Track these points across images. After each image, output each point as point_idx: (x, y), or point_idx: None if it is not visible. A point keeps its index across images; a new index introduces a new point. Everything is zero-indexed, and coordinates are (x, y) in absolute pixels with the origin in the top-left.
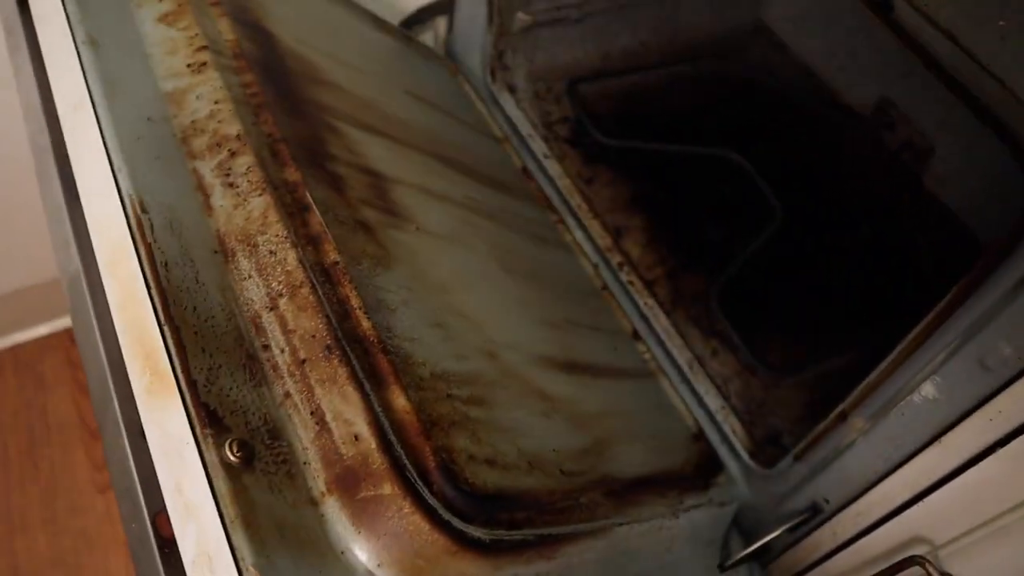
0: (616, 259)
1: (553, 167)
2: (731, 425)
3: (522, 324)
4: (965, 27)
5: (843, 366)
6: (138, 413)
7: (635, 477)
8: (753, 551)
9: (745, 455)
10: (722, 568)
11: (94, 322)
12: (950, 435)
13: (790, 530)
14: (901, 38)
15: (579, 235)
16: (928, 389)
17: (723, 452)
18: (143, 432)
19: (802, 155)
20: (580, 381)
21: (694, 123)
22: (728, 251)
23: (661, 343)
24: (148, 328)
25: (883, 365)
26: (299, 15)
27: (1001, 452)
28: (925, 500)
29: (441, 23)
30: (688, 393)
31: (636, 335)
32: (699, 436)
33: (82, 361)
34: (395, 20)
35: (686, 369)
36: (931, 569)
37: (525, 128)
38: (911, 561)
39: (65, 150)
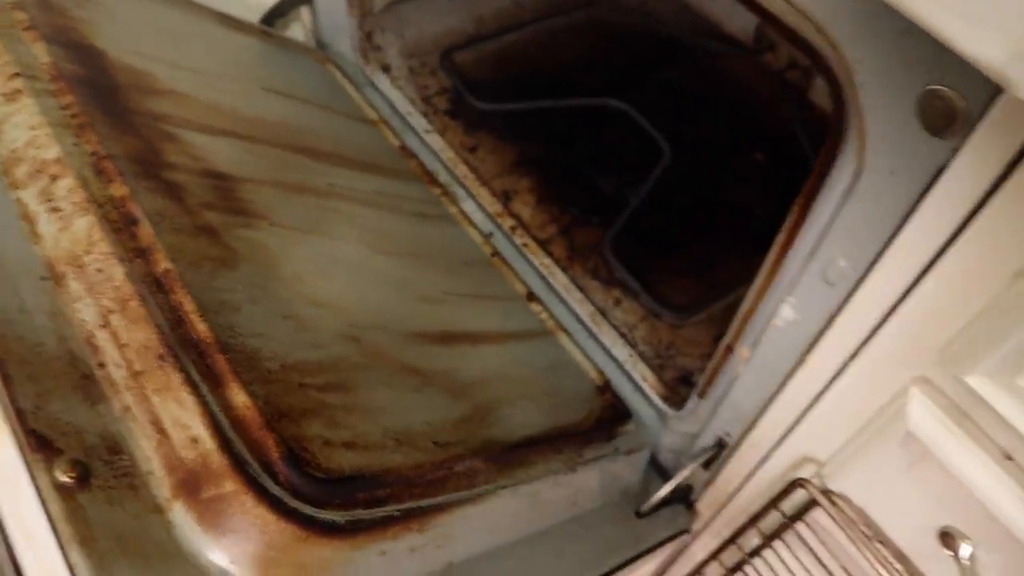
0: (508, 223)
1: (435, 141)
2: (640, 372)
3: (394, 304)
4: None
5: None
6: None
7: (525, 437)
8: (670, 493)
9: (658, 399)
10: (639, 515)
11: None
12: (812, 355)
13: (704, 467)
14: None
15: (468, 205)
16: (787, 312)
17: (635, 400)
18: None
19: (687, 92)
20: (459, 351)
21: (574, 76)
22: (620, 200)
23: (562, 300)
24: None
25: (751, 293)
26: (133, 28)
27: (854, 366)
28: (803, 421)
29: (307, 14)
30: (593, 346)
31: (531, 296)
32: (604, 388)
33: None
34: (254, 17)
35: (589, 322)
36: (811, 489)
37: (403, 106)
38: (795, 485)
39: None
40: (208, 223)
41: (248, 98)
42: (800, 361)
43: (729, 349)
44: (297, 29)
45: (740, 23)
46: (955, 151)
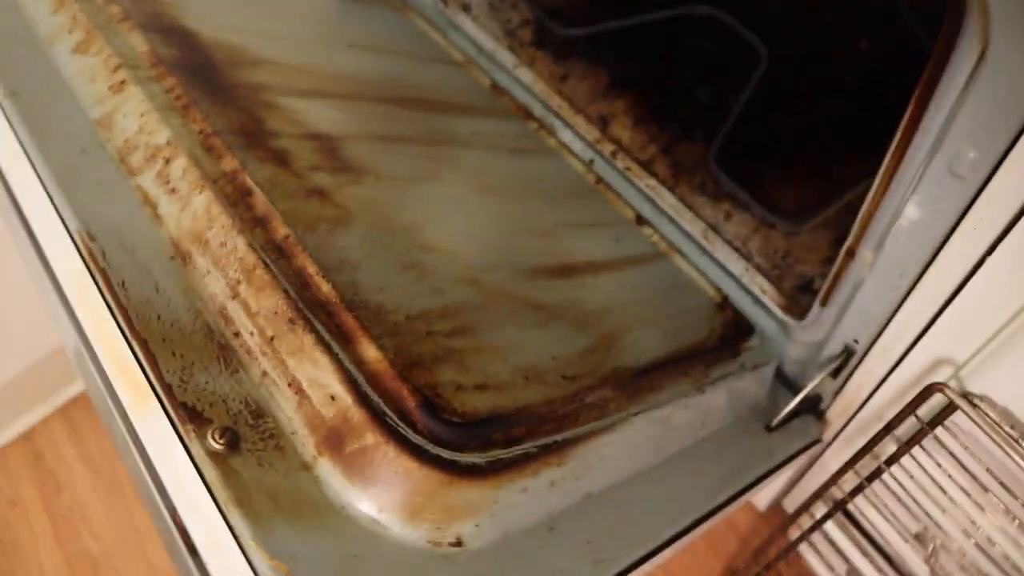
0: (608, 149)
1: (525, 75)
2: (759, 285)
3: (507, 242)
4: None
5: (863, 195)
6: (135, 429)
7: (651, 362)
8: (798, 404)
9: (778, 311)
10: (769, 429)
11: (87, 358)
12: (943, 253)
13: (832, 376)
14: None
15: (566, 135)
16: (911, 211)
17: (756, 314)
18: (143, 445)
19: None
20: (578, 282)
21: None
22: (721, 109)
23: (672, 221)
24: (119, 348)
25: (871, 194)
26: (218, 4)
27: (991, 261)
28: (938, 322)
29: None
30: (708, 263)
31: (640, 220)
32: (724, 304)
33: (91, 397)
34: None
35: (702, 240)
36: (950, 392)
37: (488, 44)
38: (931, 389)
39: (20, 206)
40: (317, 185)
41: (335, 57)
42: (930, 261)
43: (851, 253)
44: None
45: None
46: None
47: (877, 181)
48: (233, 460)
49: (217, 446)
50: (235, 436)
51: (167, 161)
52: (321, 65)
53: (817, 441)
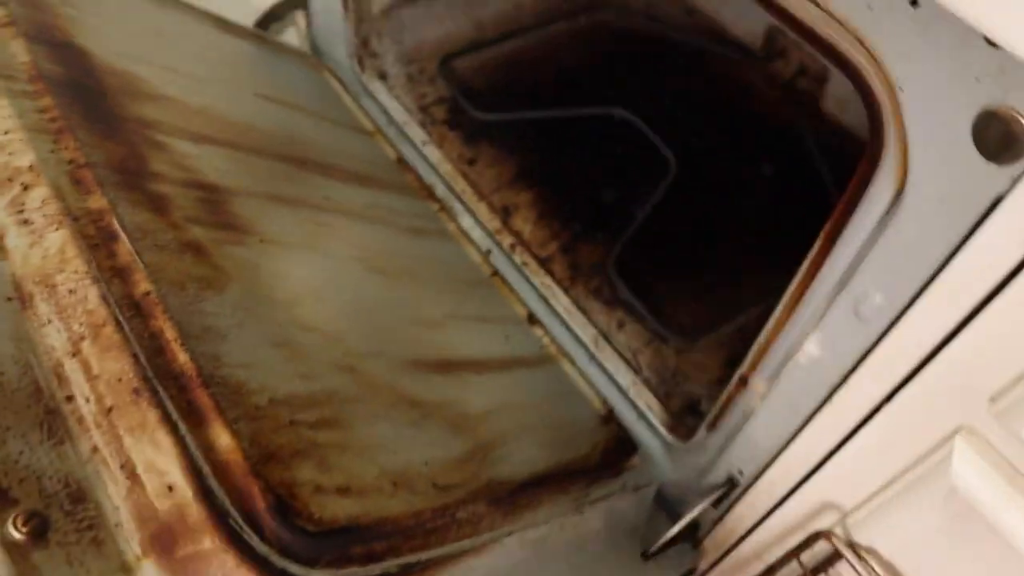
0: (507, 241)
1: (432, 153)
2: (645, 400)
3: (391, 329)
4: None
5: (761, 317)
6: None
7: (530, 476)
8: (678, 532)
9: (664, 430)
10: (646, 556)
11: None
12: (840, 394)
13: (713, 505)
14: None
15: (466, 221)
16: (812, 347)
17: (639, 430)
18: None
19: (693, 101)
20: (461, 380)
21: (576, 84)
22: (625, 214)
23: (563, 322)
24: None
25: (770, 323)
26: (123, 27)
27: (889, 408)
28: (827, 465)
29: (302, 18)
30: (596, 372)
31: (532, 319)
32: (609, 418)
33: None
34: (249, 20)
35: (592, 346)
36: (836, 543)
37: (400, 116)
38: (816, 537)
39: None
40: (195, 239)
41: (241, 104)
42: (825, 400)
43: (743, 381)
44: (293, 33)
45: (748, 27)
46: (1015, 180)
47: (777, 312)
48: (36, 554)
49: (18, 535)
50: (44, 523)
51: (25, 188)
52: (223, 111)
53: (691, 572)
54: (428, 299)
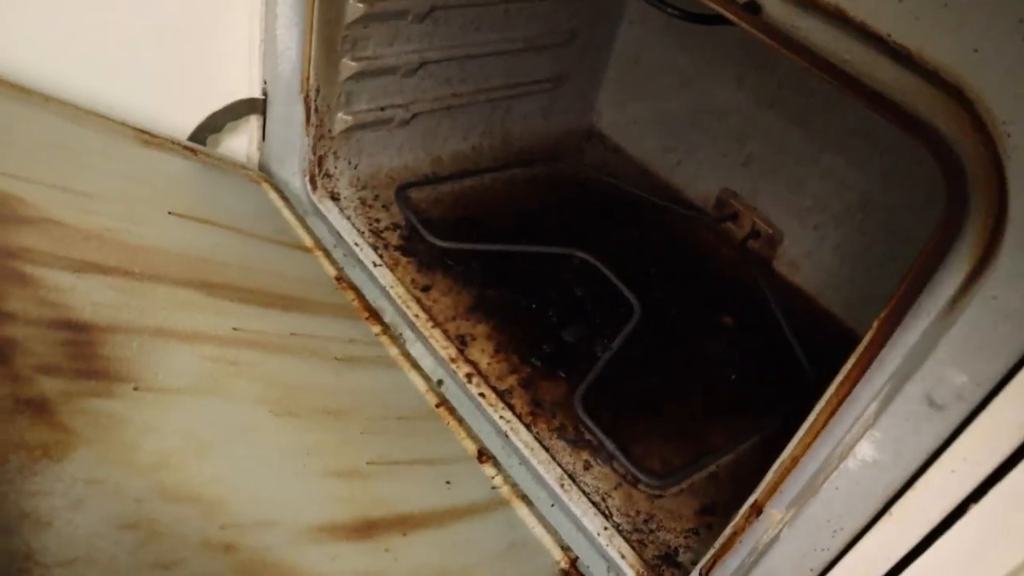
0: (464, 371)
1: (384, 275)
2: (617, 548)
3: (294, 486)
4: None
5: (734, 461)
6: None
7: None
8: None
9: None
10: None
11: None
12: (903, 500)
13: None
14: (775, 38)
15: (416, 349)
16: (865, 450)
17: None
18: None
19: (652, 249)
20: (383, 544)
21: (535, 225)
22: (588, 352)
23: (523, 461)
24: None
25: (798, 438)
26: (17, 144)
27: (976, 509)
28: None
29: (256, 129)
30: (560, 517)
31: (483, 456)
32: (570, 571)
33: None
34: (184, 131)
35: (556, 488)
36: None
37: (351, 236)
38: None
39: None
40: (40, 395)
41: (148, 226)
42: (883, 511)
43: (757, 510)
44: (240, 144)
45: (701, 191)
46: None
47: (809, 422)
48: None
49: None
50: None
51: None
52: (123, 233)
53: None
54: (351, 443)
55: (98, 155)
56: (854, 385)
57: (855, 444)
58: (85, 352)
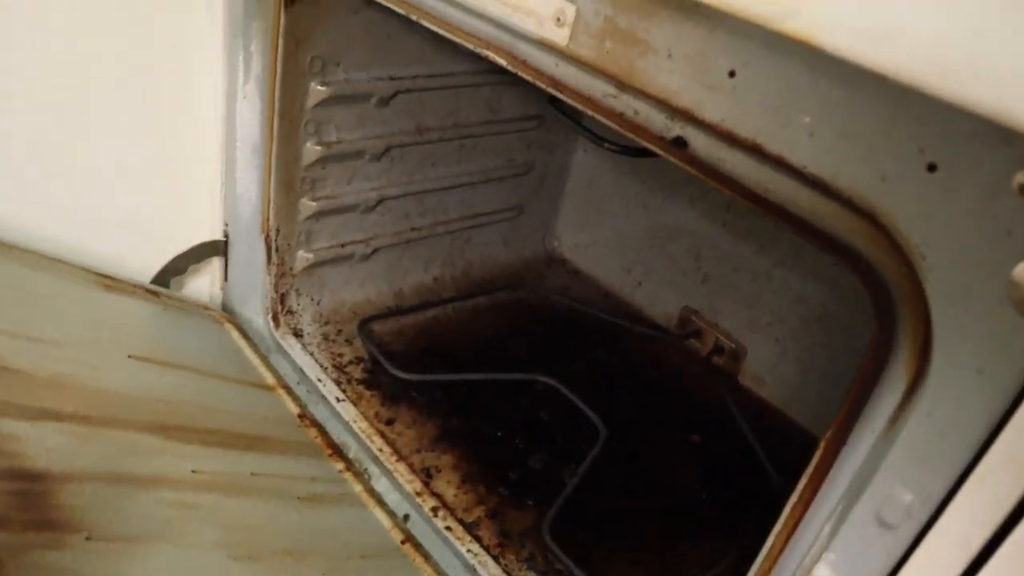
0: (429, 504)
1: (347, 410)
2: None
3: None
4: (769, 132)
5: None
6: None
7: None
8: None
9: None
10: None
11: None
12: None
13: None
14: (702, 170)
15: (381, 484)
16: (823, 573)
17: None
18: None
19: (616, 371)
20: None
21: (498, 352)
22: (556, 478)
23: None
24: None
25: (757, 564)
26: None
27: None
28: None
29: (219, 270)
30: None
31: None
32: None
33: None
34: (148, 274)
35: None
36: None
37: (313, 371)
38: None
39: None
40: None
41: (107, 370)
42: None
43: None
44: (203, 286)
45: (662, 310)
46: None
47: (768, 546)
48: None
49: None
50: None
51: None
52: (82, 378)
53: None
54: None
55: (58, 301)
56: (807, 507)
57: (812, 567)
58: (37, 502)
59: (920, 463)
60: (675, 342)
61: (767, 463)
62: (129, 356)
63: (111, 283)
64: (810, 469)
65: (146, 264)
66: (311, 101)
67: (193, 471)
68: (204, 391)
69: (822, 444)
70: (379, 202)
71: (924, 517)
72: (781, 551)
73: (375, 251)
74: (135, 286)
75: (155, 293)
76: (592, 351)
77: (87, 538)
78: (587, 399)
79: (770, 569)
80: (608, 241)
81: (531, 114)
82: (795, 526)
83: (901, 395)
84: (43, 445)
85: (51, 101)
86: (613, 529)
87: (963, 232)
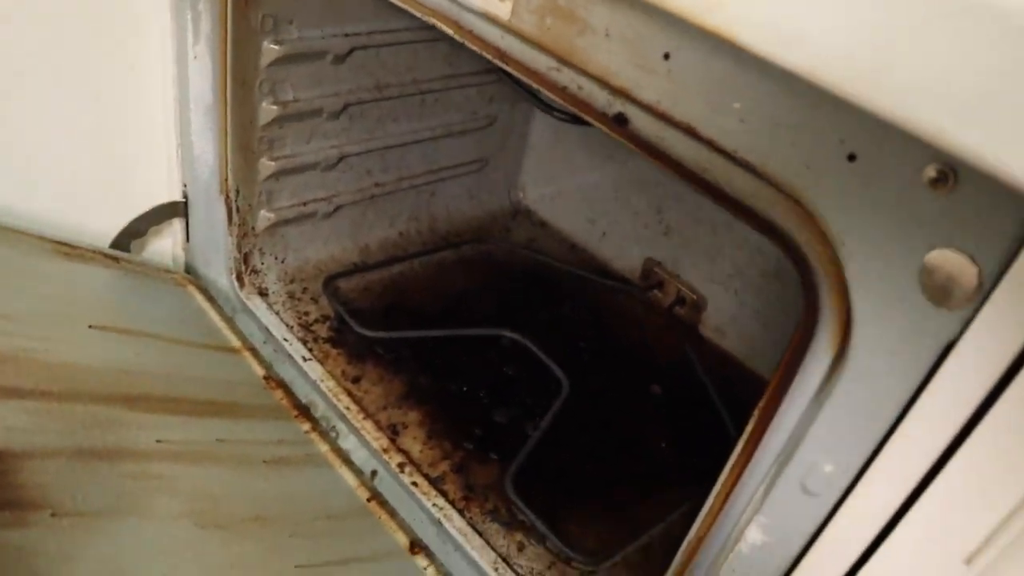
0: (396, 460)
1: (314, 369)
2: None
3: None
4: (702, 117)
5: (665, 532)
6: None
7: None
8: None
9: None
10: None
11: None
12: None
13: None
14: (643, 148)
15: (348, 442)
16: (754, 534)
17: None
18: None
19: (581, 324)
20: None
21: (465, 307)
22: (518, 433)
23: (457, 547)
24: None
25: (700, 519)
26: None
27: None
28: None
29: (180, 231)
30: None
31: (415, 548)
32: None
33: None
34: (107, 239)
35: (491, 573)
36: None
37: (280, 331)
38: None
39: None
40: None
41: (67, 342)
42: None
43: None
44: (165, 247)
45: (627, 262)
46: (965, 323)
47: (709, 503)
48: None
49: None
50: None
51: None
52: (41, 352)
53: None
54: (280, 549)
55: (14, 274)
56: (742, 471)
57: (746, 528)
58: None
59: (840, 437)
60: (639, 294)
61: (725, 415)
62: (90, 326)
63: (69, 250)
64: (745, 435)
65: (105, 229)
66: (264, 60)
67: (158, 441)
68: (168, 358)
69: (755, 412)
70: (340, 159)
71: (843, 486)
72: (720, 510)
73: (338, 208)
74: (94, 252)
75: (115, 258)
76: (558, 304)
77: (52, 515)
78: (552, 353)
79: (710, 526)
80: (573, 193)
81: (491, 68)
82: (732, 487)
83: (826, 370)
84: (3, 424)
85: None
86: (574, 481)
87: (879, 221)
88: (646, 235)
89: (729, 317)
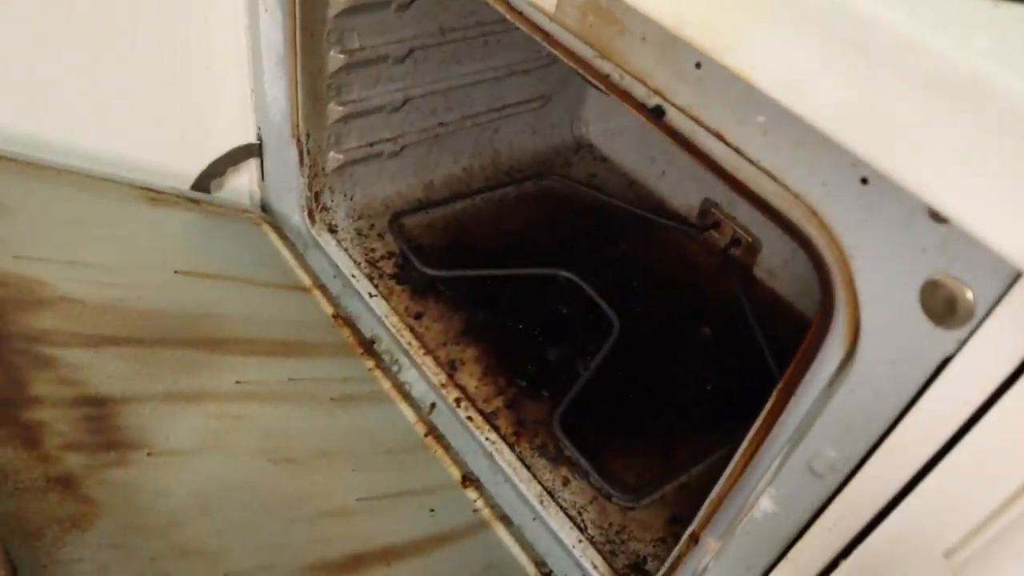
0: (453, 395)
1: (379, 305)
2: (591, 559)
3: (289, 531)
4: (729, 126)
5: (703, 475)
6: None
7: None
8: None
9: None
10: None
11: None
12: (796, 550)
13: None
14: (678, 141)
15: (409, 375)
16: (766, 503)
17: None
18: None
19: (635, 264)
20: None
21: (524, 244)
22: (570, 372)
23: (507, 479)
24: None
25: (723, 479)
26: (31, 223)
27: (847, 564)
28: None
29: (256, 170)
30: (539, 532)
31: (467, 481)
32: None
33: None
34: (187, 181)
35: (536, 504)
36: None
37: (348, 268)
38: None
39: None
40: (67, 471)
41: (157, 289)
42: (781, 556)
43: (695, 539)
44: (242, 184)
45: (684, 201)
46: (961, 343)
47: (730, 468)
48: None
49: None
50: None
51: None
52: (135, 301)
53: None
54: (343, 482)
55: (108, 223)
56: (760, 443)
57: (759, 497)
58: (103, 425)
59: (844, 429)
60: (695, 234)
61: (771, 361)
62: (175, 272)
63: (156, 196)
64: (764, 412)
65: (187, 171)
66: (332, 11)
67: (237, 382)
68: (246, 300)
69: (775, 393)
70: (405, 102)
71: (845, 472)
72: (739, 475)
73: (403, 148)
74: (178, 196)
75: (196, 201)
76: (614, 243)
77: (148, 454)
78: (605, 292)
79: (730, 488)
80: (634, 129)
81: None
82: (751, 457)
83: (837, 365)
84: (104, 371)
85: (77, 18)
86: (620, 420)
87: (886, 243)
88: (704, 175)
89: (782, 260)
